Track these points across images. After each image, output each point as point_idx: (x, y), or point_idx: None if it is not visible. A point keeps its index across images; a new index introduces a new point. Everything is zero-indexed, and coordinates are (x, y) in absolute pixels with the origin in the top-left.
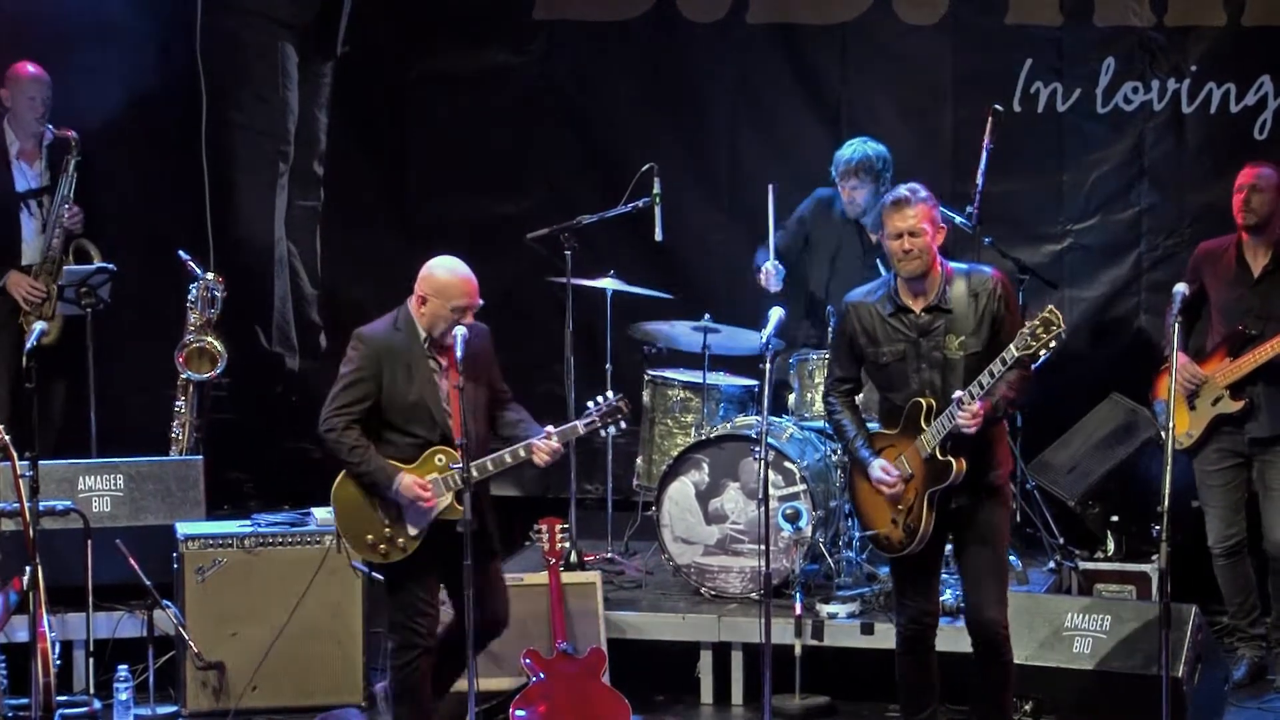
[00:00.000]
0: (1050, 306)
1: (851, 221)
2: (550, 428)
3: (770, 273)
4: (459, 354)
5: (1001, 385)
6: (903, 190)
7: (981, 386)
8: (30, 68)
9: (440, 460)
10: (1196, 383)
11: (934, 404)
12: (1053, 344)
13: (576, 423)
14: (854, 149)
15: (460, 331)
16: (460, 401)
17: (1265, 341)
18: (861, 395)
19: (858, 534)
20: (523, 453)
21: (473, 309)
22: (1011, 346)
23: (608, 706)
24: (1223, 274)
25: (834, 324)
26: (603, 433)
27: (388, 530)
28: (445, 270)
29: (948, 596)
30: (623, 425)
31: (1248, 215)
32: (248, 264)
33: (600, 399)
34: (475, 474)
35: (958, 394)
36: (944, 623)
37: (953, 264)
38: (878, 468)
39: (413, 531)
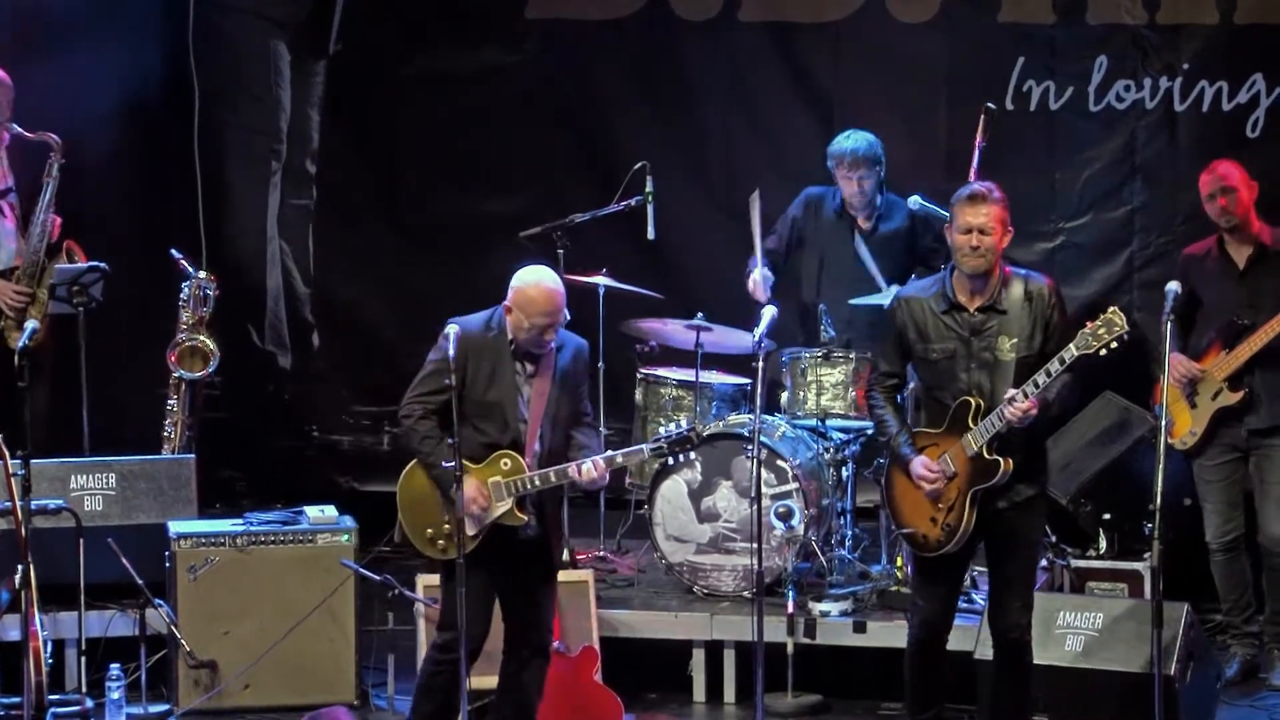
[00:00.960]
0: (1114, 307)
1: (844, 220)
2: (614, 453)
3: (759, 282)
4: (450, 352)
5: (1056, 384)
6: (980, 187)
7: (1037, 386)
8: None
9: (506, 464)
10: (1192, 376)
11: (982, 404)
12: (1114, 345)
13: (643, 446)
14: (856, 140)
15: (452, 330)
16: (451, 398)
17: (1258, 329)
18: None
19: (850, 531)
20: (570, 473)
21: (555, 326)
22: (1071, 346)
23: (600, 705)
24: (1209, 273)
25: (826, 322)
26: (670, 460)
27: (448, 527)
28: (531, 284)
29: None
30: (691, 455)
31: (1228, 219)
32: (240, 262)
33: (672, 426)
34: (526, 486)
35: (1011, 392)
36: None
37: (1010, 267)
38: (919, 464)
39: (471, 531)
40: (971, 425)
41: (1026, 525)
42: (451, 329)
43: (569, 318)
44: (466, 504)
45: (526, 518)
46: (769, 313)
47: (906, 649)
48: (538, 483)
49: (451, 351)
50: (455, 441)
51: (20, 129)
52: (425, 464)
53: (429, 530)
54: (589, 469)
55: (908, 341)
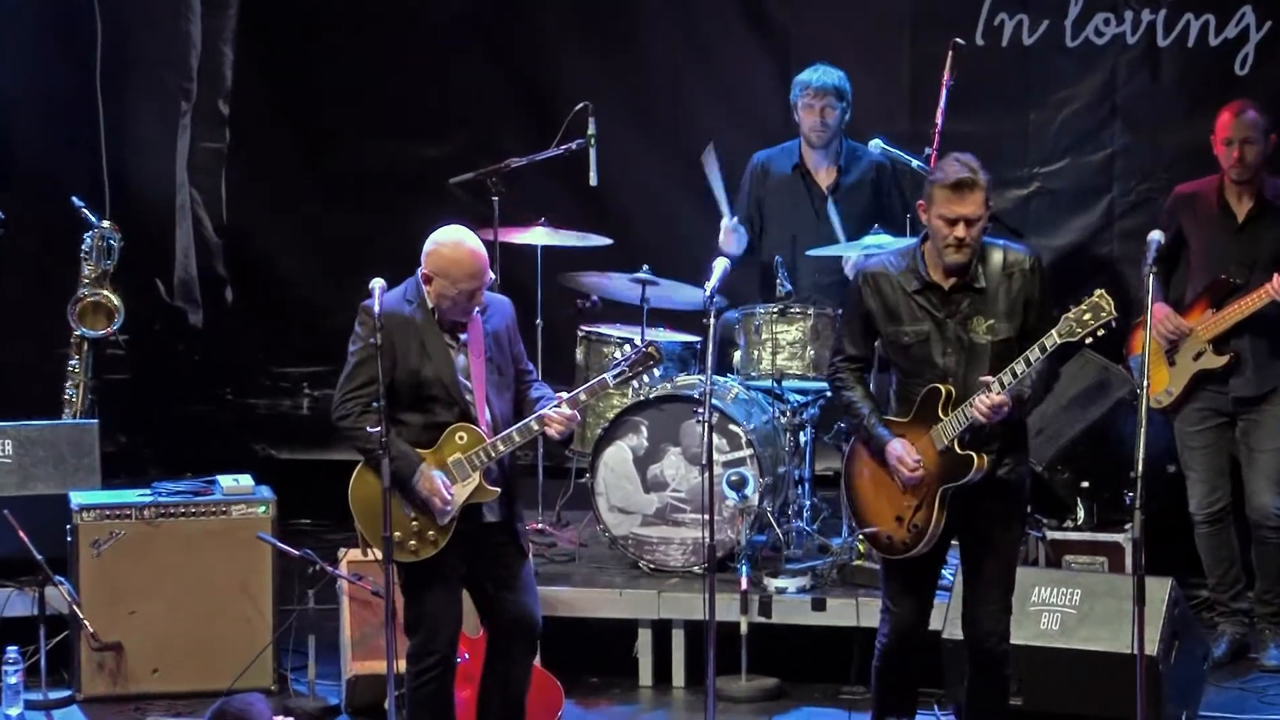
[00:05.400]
0: (1101, 290)
1: (796, 174)
2: (576, 391)
3: (730, 231)
4: (376, 304)
5: (1030, 376)
6: (964, 171)
7: (1015, 375)
8: None
9: (462, 439)
10: (1180, 334)
11: (953, 392)
12: (1100, 332)
13: (605, 375)
14: (823, 73)
15: (377, 284)
16: (379, 366)
17: (1251, 291)
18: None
19: (809, 501)
20: (535, 425)
21: (484, 288)
22: (1054, 332)
23: (539, 689)
24: (1203, 219)
25: (782, 274)
26: (636, 383)
27: (415, 524)
28: (450, 247)
29: None
30: (656, 373)
31: (1242, 170)
32: (147, 211)
33: (629, 347)
34: (491, 455)
35: (985, 379)
36: None
37: (986, 237)
38: (898, 445)
39: (442, 522)
40: (942, 416)
41: (999, 519)
42: (377, 283)
43: (494, 278)
44: (429, 494)
45: (498, 490)
46: (720, 265)
47: (875, 657)
48: (502, 447)
49: (376, 307)
50: (380, 404)
51: None
52: (377, 463)
53: (397, 535)
54: (553, 415)
55: (875, 323)
